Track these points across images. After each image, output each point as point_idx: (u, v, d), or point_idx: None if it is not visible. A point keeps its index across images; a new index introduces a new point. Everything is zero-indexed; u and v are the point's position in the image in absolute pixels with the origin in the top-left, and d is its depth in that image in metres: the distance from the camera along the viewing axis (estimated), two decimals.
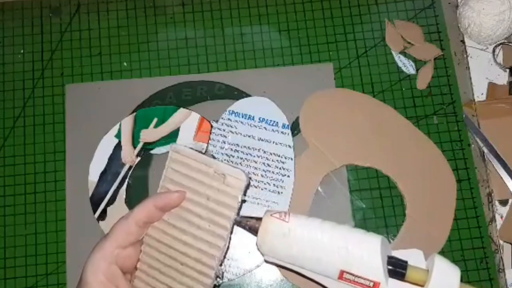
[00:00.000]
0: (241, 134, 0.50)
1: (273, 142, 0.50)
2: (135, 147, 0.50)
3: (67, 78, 0.53)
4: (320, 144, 0.50)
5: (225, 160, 0.49)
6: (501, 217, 0.51)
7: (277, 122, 0.51)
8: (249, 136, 0.50)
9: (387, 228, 0.49)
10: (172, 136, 0.51)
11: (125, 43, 0.54)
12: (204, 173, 0.38)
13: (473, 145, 0.52)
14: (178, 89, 0.53)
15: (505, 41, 0.54)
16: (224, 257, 0.38)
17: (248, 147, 0.50)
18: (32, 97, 0.53)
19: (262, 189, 0.49)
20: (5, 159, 0.51)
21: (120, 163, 0.50)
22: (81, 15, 0.55)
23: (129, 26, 0.55)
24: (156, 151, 0.50)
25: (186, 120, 0.51)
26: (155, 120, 0.51)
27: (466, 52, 0.55)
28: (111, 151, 0.50)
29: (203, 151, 0.48)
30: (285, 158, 0.50)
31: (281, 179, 0.49)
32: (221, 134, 0.50)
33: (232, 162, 0.49)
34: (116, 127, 0.51)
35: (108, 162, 0.50)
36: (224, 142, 0.50)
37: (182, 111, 0.51)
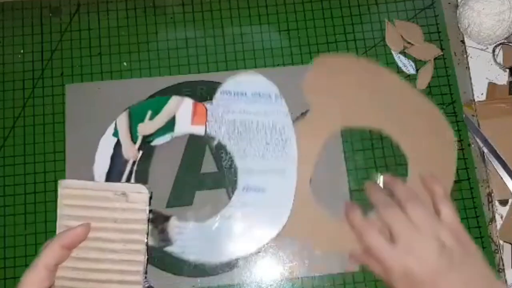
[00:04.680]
0: (236, 111, 0.51)
1: (270, 113, 0.51)
2: (135, 142, 0.50)
3: (67, 78, 0.53)
4: (322, 105, 0.51)
5: (226, 138, 0.50)
6: (501, 217, 0.51)
7: (269, 94, 0.51)
8: (244, 112, 0.51)
9: None
10: (169, 125, 0.51)
11: (125, 43, 0.54)
12: (104, 198, 0.38)
13: (473, 145, 0.52)
14: (178, 89, 0.53)
15: (505, 41, 0.54)
16: (146, 267, 0.39)
17: (245, 122, 0.50)
18: (32, 97, 0.52)
19: (266, 159, 0.50)
20: (5, 159, 0.51)
21: (123, 161, 0.50)
22: (81, 15, 0.55)
23: (129, 26, 0.55)
24: (156, 142, 0.51)
25: (180, 107, 0.51)
26: (149, 112, 0.51)
27: (466, 52, 0.55)
28: (112, 151, 0.50)
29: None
30: (284, 126, 0.50)
31: (282, 146, 0.50)
32: (217, 115, 0.51)
33: (233, 139, 0.50)
34: (112, 126, 0.51)
35: (111, 162, 0.50)
36: (222, 122, 0.51)
37: (174, 98, 0.52)
